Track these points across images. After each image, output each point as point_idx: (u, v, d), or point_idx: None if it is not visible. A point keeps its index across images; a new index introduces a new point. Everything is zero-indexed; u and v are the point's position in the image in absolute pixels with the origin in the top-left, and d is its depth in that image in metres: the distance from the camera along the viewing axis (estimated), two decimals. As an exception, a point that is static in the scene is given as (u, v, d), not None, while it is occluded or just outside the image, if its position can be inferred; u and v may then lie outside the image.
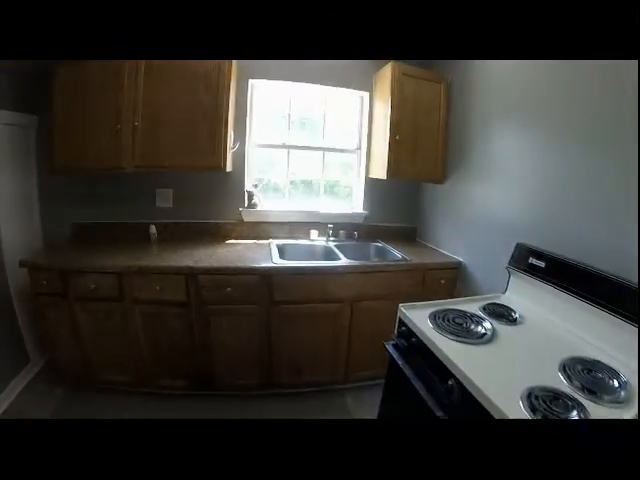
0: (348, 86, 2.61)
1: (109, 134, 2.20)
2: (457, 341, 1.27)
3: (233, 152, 2.45)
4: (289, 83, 2.55)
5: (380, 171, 2.44)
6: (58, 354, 2.30)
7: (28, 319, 2.52)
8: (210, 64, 2.15)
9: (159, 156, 2.19)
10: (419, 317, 1.45)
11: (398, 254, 2.39)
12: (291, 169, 2.73)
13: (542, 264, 1.56)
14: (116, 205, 2.60)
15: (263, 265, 1.99)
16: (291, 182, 2.77)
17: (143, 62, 2.15)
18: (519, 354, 1.25)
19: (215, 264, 1.99)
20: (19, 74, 2.40)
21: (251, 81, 2.48)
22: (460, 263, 2.29)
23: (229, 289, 1.97)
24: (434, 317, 1.43)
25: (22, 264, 2.15)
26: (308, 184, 2.82)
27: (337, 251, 2.36)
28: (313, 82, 2.56)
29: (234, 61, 2.23)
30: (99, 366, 2.24)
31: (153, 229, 2.48)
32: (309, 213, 2.66)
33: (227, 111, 2.20)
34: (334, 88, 2.61)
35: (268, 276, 1.98)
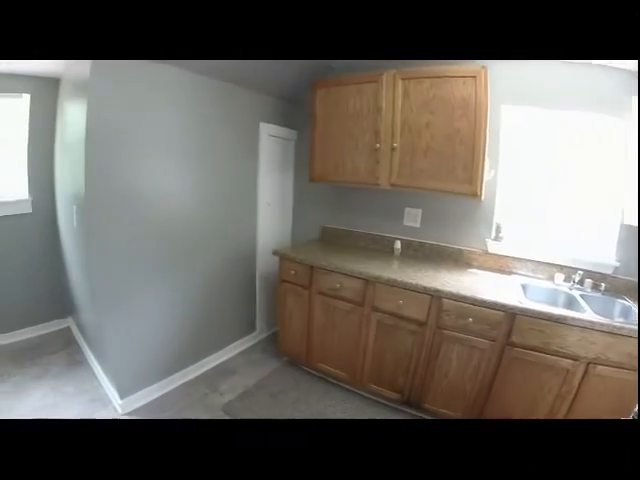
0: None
1: (368, 152, 2.56)
2: None
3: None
4: (546, 110, 2.53)
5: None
6: (284, 333, 2.82)
7: (265, 297, 3.25)
8: (466, 90, 2.24)
9: (415, 178, 2.42)
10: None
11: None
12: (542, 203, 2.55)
13: None
14: (364, 216, 3.01)
15: (509, 302, 2.00)
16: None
17: (400, 84, 2.41)
18: None
19: (462, 291, 2.08)
20: (281, 96, 3.11)
21: (503, 106, 2.58)
22: None
23: (470, 319, 2.05)
24: None
25: (275, 253, 2.72)
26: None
27: (582, 302, 2.28)
28: (571, 109, 2.47)
29: (488, 86, 2.26)
30: (319, 355, 2.64)
31: (398, 245, 2.75)
32: (555, 254, 2.52)
33: (484, 138, 2.26)
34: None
35: (511, 315, 1.99)
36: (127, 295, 2.27)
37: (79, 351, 3.12)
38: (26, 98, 2.99)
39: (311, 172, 2.89)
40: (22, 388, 2.60)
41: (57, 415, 2.32)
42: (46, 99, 3.03)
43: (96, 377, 2.70)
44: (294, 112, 3.30)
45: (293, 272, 2.64)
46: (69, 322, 3.55)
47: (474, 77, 2.18)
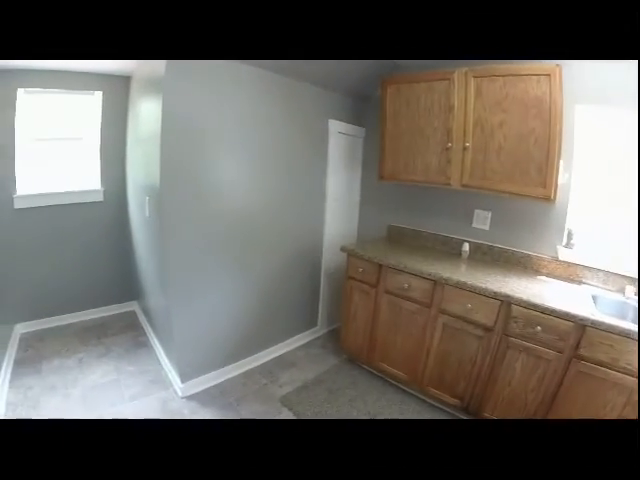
0: None
1: (439, 152, 2.56)
2: None
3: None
4: (627, 111, 2.41)
5: None
6: (347, 330, 2.90)
7: (328, 293, 3.37)
8: (540, 89, 2.18)
9: (487, 179, 2.40)
10: None
11: None
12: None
13: None
14: (431, 217, 3.03)
15: (580, 313, 1.95)
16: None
17: (472, 82, 2.39)
18: None
19: (532, 299, 2.04)
20: (348, 92, 3.16)
21: (577, 106, 2.51)
22: None
23: (539, 328, 2.01)
24: None
25: (343, 250, 2.80)
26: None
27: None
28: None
29: (563, 85, 2.19)
30: (380, 354, 2.70)
31: (466, 247, 2.74)
32: (627, 266, 2.37)
33: (559, 139, 2.20)
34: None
35: (581, 326, 1.94)
36: (196, 284, 2.43)
37: (143, 334, 3.36)
38: (98, 95, 3.24)
39: (381, 170, 2.94)
40: (86, 364, 2.86)
41: (117, 391, 2.55)
42: (117, 96, 3.29)
43: (158, 360, 2.91)
44: (361, 109, 3.37)
45: (361, 270, 2.71)
46: (133, 306, 3.83)
47: (548, 75, 2.13)
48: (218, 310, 2.60)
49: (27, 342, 3.14)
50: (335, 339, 3.35)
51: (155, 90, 2.24)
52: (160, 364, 2.86)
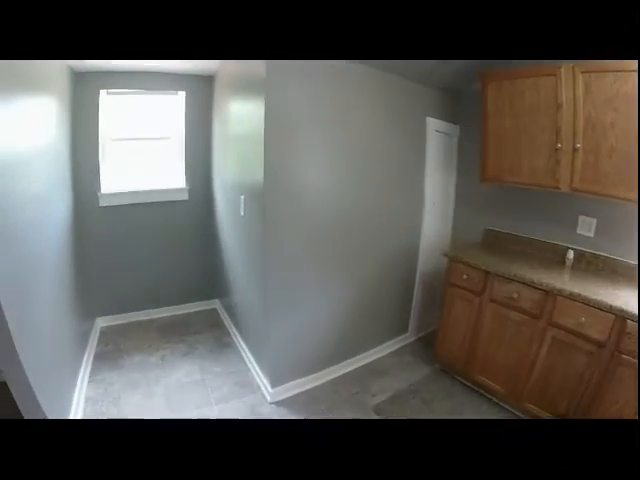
0: None
1: (547, 153, 2.46)
2: None
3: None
4: None
5: None
6: (445, 339, 2.88)
7: (421, 298, 3.37)
8: None
9: (598, 183, 2.27)
10: None
11: None
12: None
13: None
14: (532, 221, 2.92)
15: None
16: None
17: (580, 79, 2.26)
18: None
19: None
20: (443, 88, 3.10)
21: None
22: None
23: None
24: None
25: (446, 255, 2.79)
26: None
27: None
28: None
29: None
30: (479, 365, 2.66)
31: (570, 255, 2.63)
32: None
33: None
34: None
35: None
36: (292, 286, 2.52)
37: (227, 334, 3.49)
38: (181, 95, 3.37)
39: (483, 172, 2.86)
40: (169, 362, 2.98)
41: (203, 393, 2.63)
42: (200, 96, 3.47)
43: (244, 361, 2.99)
44: (454, 105, 3.32)
45: (465, 277, 2.67)
46: (215, 304, 4.00)
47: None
48: (312, 313, 2.66)
49: (108, 336, 3.31)
50: (426, 347, 3.33)
51: (253, 90, 2.32)
52: (247, 366, 2.93)
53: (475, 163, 2.97)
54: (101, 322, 3.49)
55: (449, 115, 3.28)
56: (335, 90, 2.42)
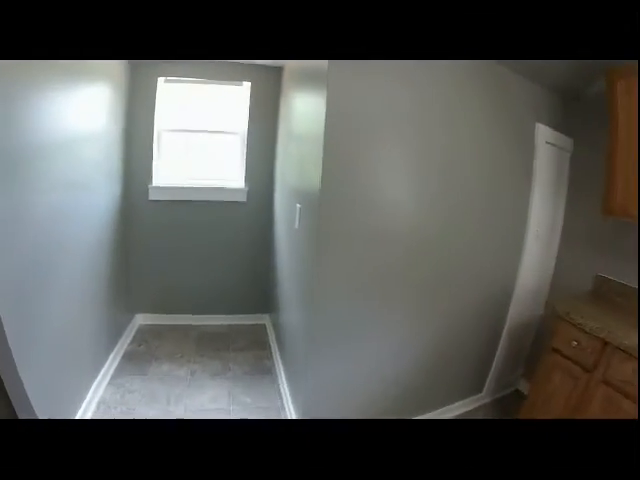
0: None
1: None
2: None
3: None
4: None
5: None
6: (531, 416, 2.16)
7: (505, 352, 2.70)
8: None
9: None
10: None
11: None
12: None
13: None
14: None
15: None
16: None
17: None
18: None
19: None
20: (554, 86, 2.41)
21: None
22: None
23: None
24: None
25: (556, 310, 2.07)
26: None
27: None
28: None
29: None
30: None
31: None
32: None
33: None
34: None
35: None
36: (346, 316, 2.00)
37: (268, 356, 3.07)
38: (246, 86, 3.05)
39: (608, 202, 2.09)
40: (197, 380, 2.65)
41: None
42: (267, 88, 3.10)
43: (280, 395, 2.55)
44: (568, 112, 2.60)
45: (575, 343, 1.92)
46: (264, 319, 3.57)
47: None
48: (368, 352, 2.11)
49: (143, 336, 3.14)
50: (502, 414, 2.66)
51: (315, 84, 1.92)
52: (281, 401, 2.49)
53: (590, 188, 2.39)
54: (140, 319, 3.33)
55: (562, 124, 2.55)
56: (415, 84, 1.89)
